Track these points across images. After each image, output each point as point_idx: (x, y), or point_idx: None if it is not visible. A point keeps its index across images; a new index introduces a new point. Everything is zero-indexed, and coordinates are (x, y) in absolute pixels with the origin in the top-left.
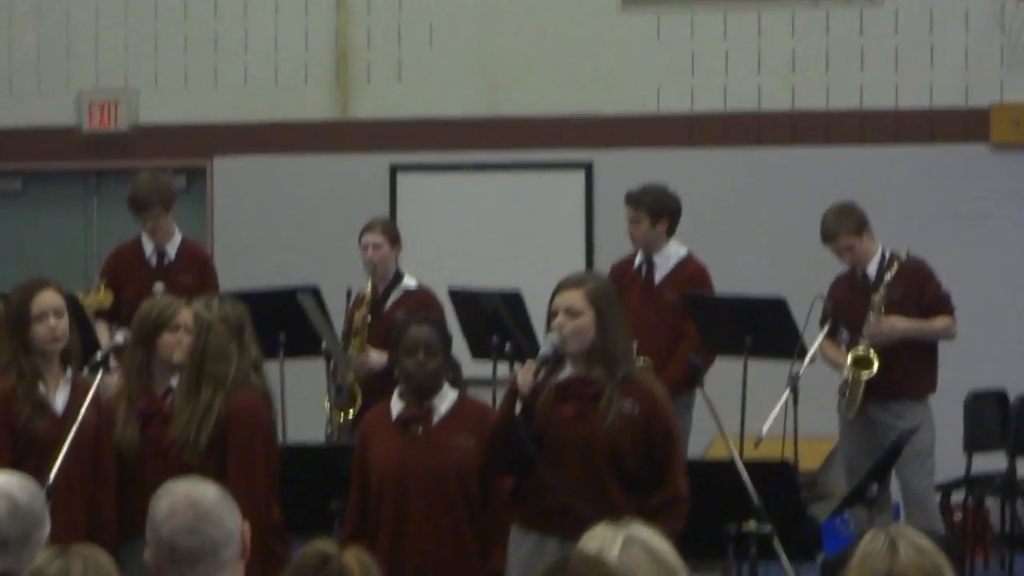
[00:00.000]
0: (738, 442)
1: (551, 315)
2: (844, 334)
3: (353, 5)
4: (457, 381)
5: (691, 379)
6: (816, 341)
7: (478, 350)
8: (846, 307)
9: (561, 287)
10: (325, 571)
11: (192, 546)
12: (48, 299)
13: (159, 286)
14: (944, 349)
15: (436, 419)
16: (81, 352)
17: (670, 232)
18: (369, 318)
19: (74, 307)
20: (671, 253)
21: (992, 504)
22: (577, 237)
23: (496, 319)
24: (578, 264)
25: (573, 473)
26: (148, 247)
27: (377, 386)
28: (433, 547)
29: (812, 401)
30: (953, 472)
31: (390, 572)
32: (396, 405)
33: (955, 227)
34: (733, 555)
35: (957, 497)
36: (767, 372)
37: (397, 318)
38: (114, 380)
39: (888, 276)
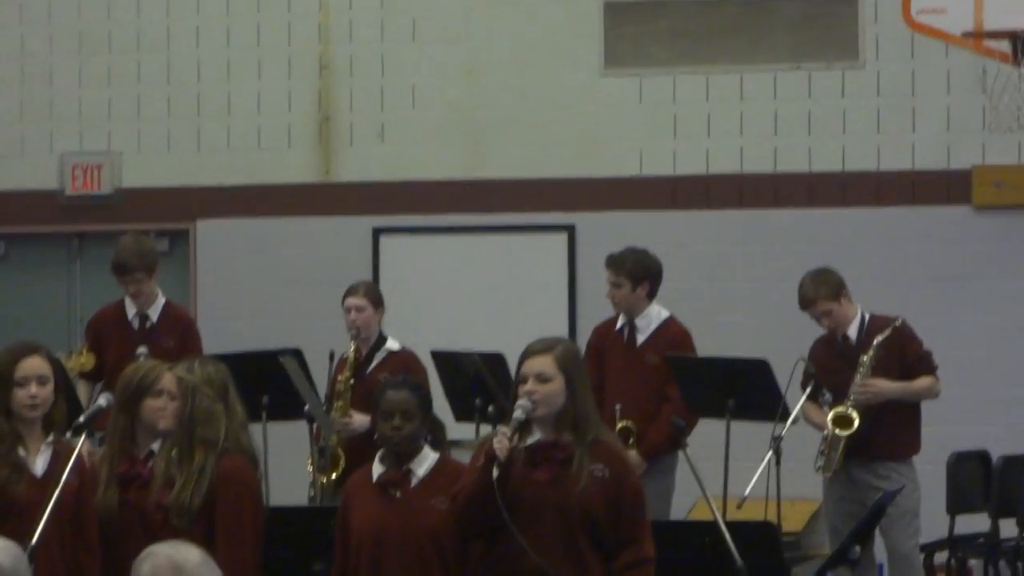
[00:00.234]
0: (721, 503)
1: (520, 380)
2: (827, 396)
3: (336, 68)
4: (440, 441)
5: (674, 441)
6: (798, 403)
7: (461, 412)
8: (827, 370)
9: (530, 352)
10: None
11: None
12: (32, 365)
13: (142, 350)
14: (927, 410)
15: (414, 482)
16: (66, 413)
17: (651, 295)
18: (352, 381)
19: (59, 371)
20: (653, 316)
21: (975, 565)
22: (560, 299)
23: (479, 381)
24: (561, 326)
25: (549, 537)
26: (131, 310)
27: (360, 448)
28: None
29: (795, 463)
30: (936, 533)
31: None
32: (377, 468)
33: (937, 288)
34: None
35: (940, 558)
36: (750, 433)
37: (380, 380)
38: (88, 446)
39: (879, 338)
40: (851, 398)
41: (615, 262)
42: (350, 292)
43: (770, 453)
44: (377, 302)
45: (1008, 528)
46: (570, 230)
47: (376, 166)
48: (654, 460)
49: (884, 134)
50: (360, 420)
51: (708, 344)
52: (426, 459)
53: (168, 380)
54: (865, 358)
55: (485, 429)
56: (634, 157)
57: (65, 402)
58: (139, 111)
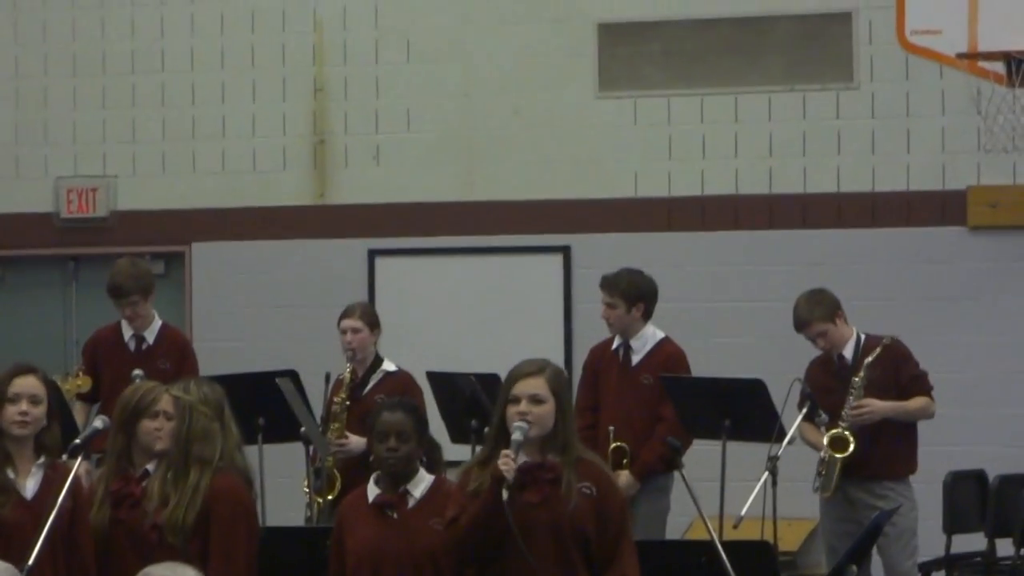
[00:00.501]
0: (717, 523)
1: (511, 400)
2: (823, 416)
3: (330, 90)
4: (437, 462)
5: (670, 461)
6: (794, 423)
7: (457, 433)
8: (823, 390)
9: (521, 374)
10: None
11: None
12: (25, 384)
13: (138, 372)
14: (923, 430)
15: (411, 503)
16: (60, 437)
17: (646, 316)
18: (348, 402)
19: (55, 393)
20: (648, 336)
21: None
22: (555, 320)
23: (474, 402)
24: (556, 347)
25: (543, 558)
26: (127, 332)
27: (356, 470)
28: None
29: (791, 482)
30: (933, 552)
31: None
32: (372, 490)
33: (932, 309)
34: None
35: None
36: (746, 454)
37: (377, 402)
38: (86, 467)
39: (870, 358)
40: (845, 420)
41: (609, 283)
42: (346, 314)
43: (766, 473)
44: (373, 324)
45: (1005, 547)
46: (565, 251)
47: (371, 188)
48: (648, 480)
49: (879, 155)
50: (356, 442)
51: (704, 364)
52: (422, 480)
53: (165, 401)
54: (856, 379)
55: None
56: (629, 178)
57: (59, 426)
58: (134, 134)
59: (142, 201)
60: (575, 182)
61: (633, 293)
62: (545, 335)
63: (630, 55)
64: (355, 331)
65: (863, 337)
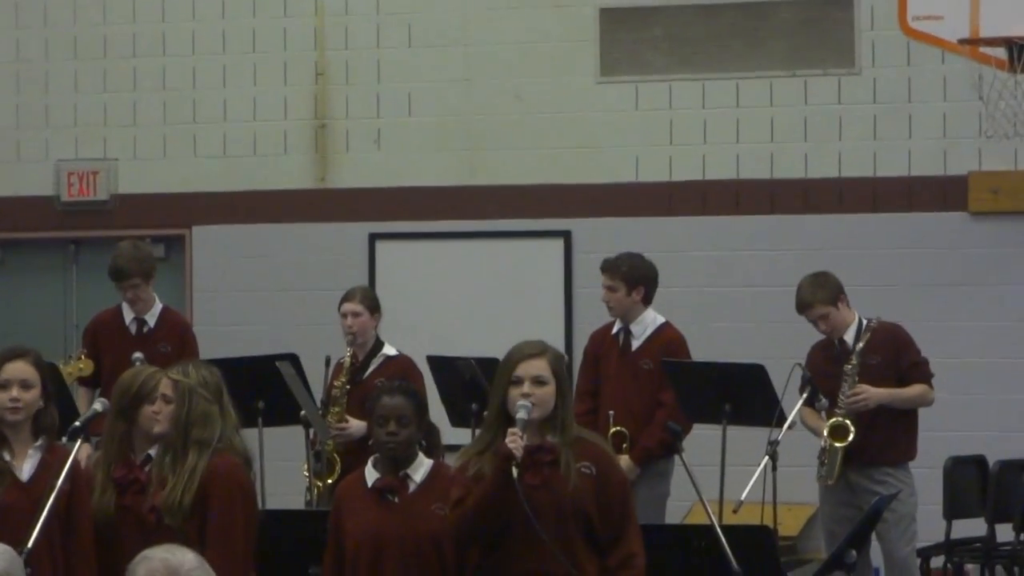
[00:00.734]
0: (717, 508)
1: (514, 381)
2: (823, 401)
3: (332, 74)
4: (436, 446)
5: (670, 446)
6: (795, 408)
7: (457, 417)
8: (823, 375)
9: (524, 355)
10: None
11: None
12: (15, 369)
13: (138, 355)
14: (924, 416)
15: (412, 488)
16: (59, 421)
17: (647, 300)
18: (348, 386)
19: (54, 376)
20: (648, 321)
21: (972, 570)
22: (556, 305)
23: (474, 386)
24: (557, 331)
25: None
26: (128, 315)
27: (356, 454)
28: None
29: (791, 467)
30: (933, 537)
31: None
32: (371, 474)
33: (933, 294)
34: None
35: (937, 562)
36: (746, 438)
37: (377, 386)
38: (87, 450)
39: (860, 345)
40: (842, 407)
41: (610, 267)
42: (346, 298)
43: (766, 458)
44: (373, 308)
45: (1004, 532)
46: (566, 236)
47: (372, 172)
48: (648, 465)
49: (880, 140)
50: (356, 426)
51: (704, 349)
52: (422, 465)
53: (164, 384)
54: (848, 367)
55: None
56: (630, 163)
57: (56, 408)
58: (135, 117)
59: (143, 184)
60: (576, 167)
61: (634, 276)
62: (545, 319)
63: (632, 40)
64: (355, 315)
65: (864, 322)
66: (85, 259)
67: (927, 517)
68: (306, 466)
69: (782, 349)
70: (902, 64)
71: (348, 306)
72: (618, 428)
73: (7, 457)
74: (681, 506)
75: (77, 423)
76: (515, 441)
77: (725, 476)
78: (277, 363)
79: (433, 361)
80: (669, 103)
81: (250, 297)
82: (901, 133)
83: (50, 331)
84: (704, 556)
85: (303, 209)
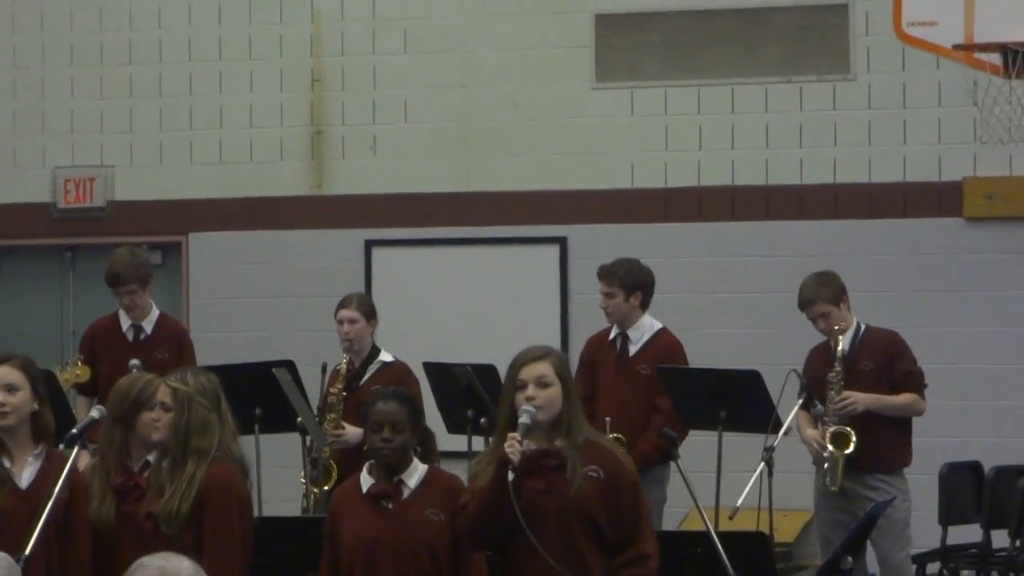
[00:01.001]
0: (713, 514)
1: (518, 386)
2: (819, 408)
3: (328, 81)
4: (431, 451)
5: (666, 452)
6: (791, 413)
7: (453, 424)
8: (820, 381)
9: (527, 359)
10: None
11: None
12: None
13: (135, 362)
14: (919, 422)
15: (406, 494)
16: (55, 427)
17: (644, 305)
18: (344, 393)
19: (50, 383)
20: (645, 327)
21: None
22: (552, 311)
23: (470, 393)
24: (553, 337)
25: (550, 544)
26: (125, 322)
27: (353, 460)
28: None
29: (787, 473)
30: (929, 543)
31: None
32: (366, 480)
33: (928, 300)
34: None
35: (933, 568)
36: (742, 444)
37: (373, 392)
38: (86, 457)
39: (840, 350)
40: (829, 415)
41: (607, 272)
42: (343, 304)
43: (762, 464)
44: (370, 314)
45: (1000, 539)
46: (562, 242)
47: (368, 178)
48: (644, 471)
49: (875, 146)
50: (353, 432)
51: (700, 355)
52: (416, 470)
53: (162, 392)
54: (832, 374)
55: (477, 441)
56: (626, 169)
57: (51, 412)
58: (131, 124)
59: (139, 191)
60: (572, 173)
61: (631, 282)
62: (542, 325)
63: (627, 46)
64: (352, 322)
65: (864, 327)
66: (81, 266)
67: (923, 523)
68: (303, 473)
69: (778, 355)
70: (897, 70)
71: (344, 313)
72: (615, 434)
73: (6, 464)
74: (677, 512)
75: (74, 430)
76: (512, 446)
77: (721, 482)
78: (274, 370)
79: (429, 368)
80: (665, 109)
81: (247, 304)
82: (896, 139)
83: (46, 338)
84: (700, 562)
85: (299, 216)
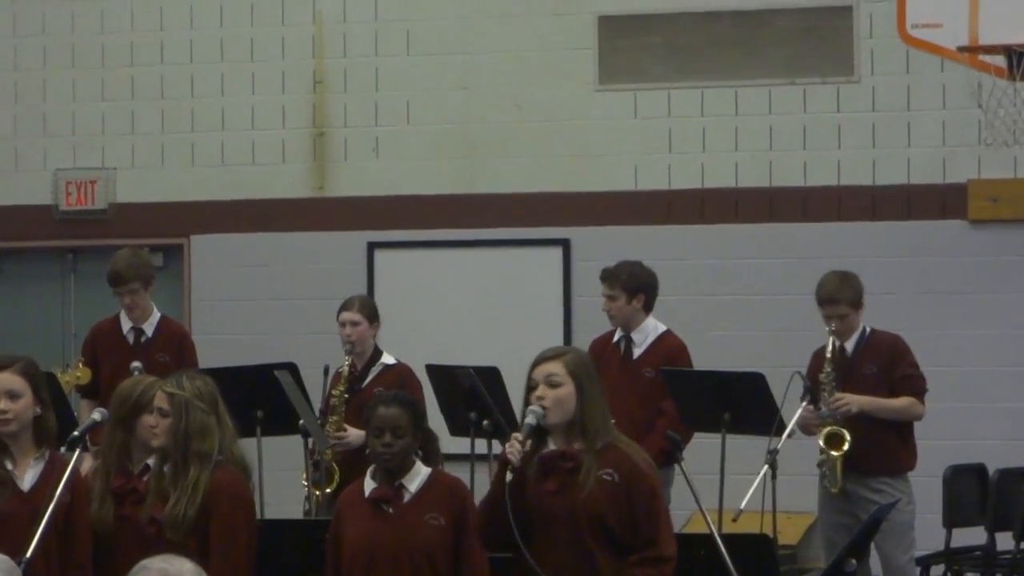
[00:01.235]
0: (717, 517)
1: (531, 386)
2: (824, 410)
3: (330, 82)
4: (434, 454)
5: (670, 454)
6: (794, 416)
7: (456, 426)
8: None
9: (540, 359)
10: None
11: None
12: (1, 380)
13: (137, 365)
14: (923, 424)
15: (407, 498)
16: (56, 430)
17: (647, 307)
18: (347, 395)
19: (51, 385)
20: (649, 329)
21: None
22: (555, 313)
23: (473, 395)
24: (556, 340)
25: (561, 546)
26: (126, 325)
27: (355, 463)
28: None
29: (790, 476)
30: (933, 546)
31: None
32: (369, 484)
33: (933, 302)
34: None
35: (937, 571)
36: (745, 447)
37: (375, 395)
38: (88, 460)
39: (829, 352)
40: (827, 415)
41: (610, 275)
42: (345, 307)
43: (766, 467)
44: (372, 317)
45: (1004, 541)
46: (565, 244)
47: (370, 181)
48: None
49: (879, 148)
50: (355, 435)
51: (703, 358)
52: (418, 474)
53: (159, 397)
54: (822, 375)
55: (480, 443)
56: (629, 171)
57: (54, 416)
58: (133, 126)
59: (141, 193)
60: (575, 175)
61: (634, 284)
62: (544, 328)
63: (630, 48)
64: (354, 324)
65: (868, 331)
66: (83, 268)
67: (927, 526)
68: (305, 475)
69: (781, 357)
70: (901, 72)
71: (346, 315)
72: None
73: (9, 467)
74: (681, 515)
75: (76, 433)
76: (513, 447)
77: (724, 485)
78: (276, 372)
79: (432, 370)
80: (668, 111)
81: (248, 306)
82: (900, 141)
83: (48, 340)
84: (704, 565)
85: (301, 218)
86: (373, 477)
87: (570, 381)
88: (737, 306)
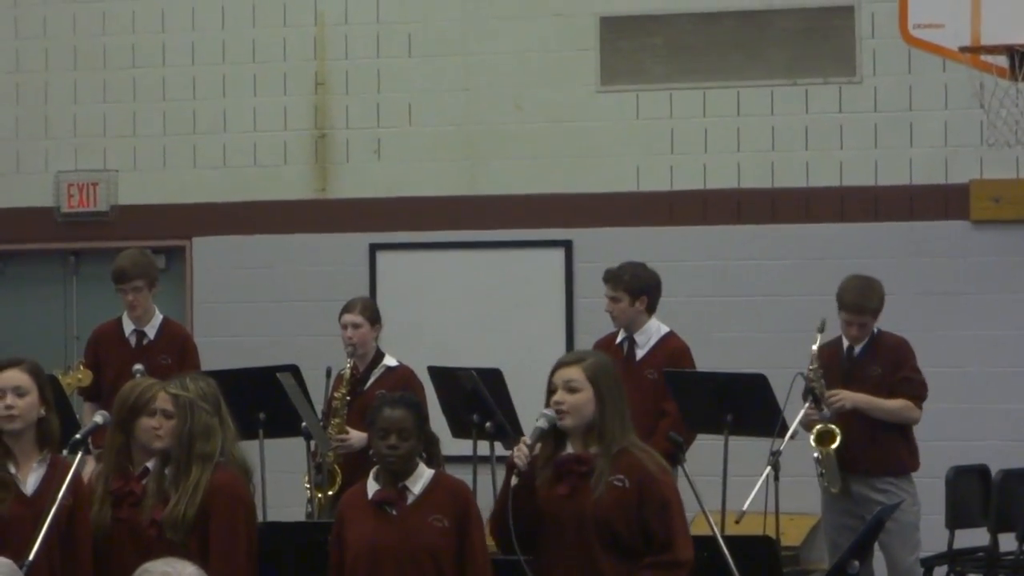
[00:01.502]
0: (719, 518)
1: (551, 390)
2: (826, 411)
3: (331, 84)
4: (435, 456)
5: (672, 456)
6: (797, 418)
7: (458, 428)
8: (827, 378)
9: (560, 364)
10: None
11: None
12: (8, 377)
13: (139, 367)
14: (925, 425)
15: (410, 500)
16: (58, 427)
17: (650, 309)
18: (349, 397)
19: (53, 387)
20: (652, 330)
21: None
22: (557, 315)
23: (476, 397)
24: (558, 342)
25: (569, 549)
26: (128, 327)
27: (357, 465)
28: None
29: (793, 477)
30: (936, 547)
31: None
32: (372, 486)
33: (935, 303)
34: None
35: (940, 572)
36: (748, 449)
37: (378, 397)
38: (91, 463)
39: (815, 349)
40: (829, 417)
41: (613, 276)
42: (346, 309)
43: (768, 468)
44: (374, 319)
45: (1007, 542)
46: (567, 246)
47: (372, 182)
48: None
49: (881, 149)
50: (357, 437)
51: (706, 359)
52: (421, 476)
53: (162, 399)
54: (811, 372)
55: (482, 445)
56: (631, 172)
57: (57, 418)
58: (134, 128)
59: (143, 195)
60: (576, 176)
61: (637, 286)
62: (547, 329)
63: (632, 49)
64: (355, 326)
65: (876, 332)
66: (85, 270)
67: (930, 527)
68: (307, 478)
69: (783, 359)
70: (903, 72)
71: (348, 317)
72: None
73: (12, 470)
74: None
75: (78, 435)
76: (519, 450)
77: (727, 486)
78: (278, 374)
79: (434, 372)
80: (670, 112)
81: (250, 308)
82: (902, 141)
83: (50, 342)
84: (707, 567)
85: (303, 220)
86: (376, 479)
87: (589, 386)
88: (739, 307)
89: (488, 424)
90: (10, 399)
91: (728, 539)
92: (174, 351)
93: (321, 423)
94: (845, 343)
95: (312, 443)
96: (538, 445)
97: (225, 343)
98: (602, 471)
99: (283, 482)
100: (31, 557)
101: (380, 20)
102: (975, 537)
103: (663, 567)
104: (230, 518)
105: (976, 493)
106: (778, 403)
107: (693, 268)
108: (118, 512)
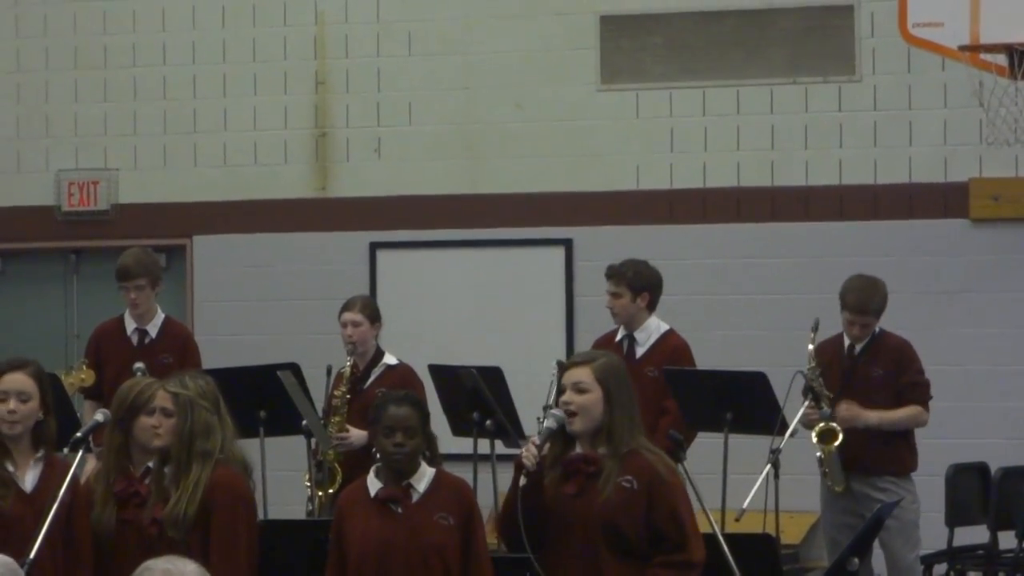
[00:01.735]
0: (719, 516)
1: (560, 391)
2: (826, 410)
3: (332, 83)
4: (434, 455)
5: (672, 454)
6: (797, 416)
7: (458, 427)
8: (827, 375)
9: (570, 364)
10: None
11: None
12: (13, 381)
13: (139, 365)
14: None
15: (416, 498)
16: (55, 431)
17: (651, 306)
18: (349, 396)
19: (54, 386)
20: (652, 328)
21: None
22: (557, 313)
23: (476, 395)
24: (558, 340)
25: (575, 549)
26: (130, 326)
27: (357, 463)
28: None
29: (793, 475)
30: (935, 545)
31: None
32: (373, 483)
33: (934, 301)
34: None
35: (940, 570)
36: (748, 446)
37: (378, 395)
38: (91, 461)
39: (811, 347)
40: (829, 415)
41: (615, 273)
42: (346, 307)
43: (768, 466)
44: (374, 317)
45: (1007, 540)
46: (567, 244)
47: (372, 181)
48: None
49: (881, 147)
50: (357, 435)
51: (706, 357)
52: (425, 474)
53: (161, 397)
54: (808, 371)
55: (482, 443)
56: (631, 171)
57: (56, 419)
58: (135, 127)
59: (143, 194)
60: (577, 175)
61: (638, 283)
62: (547, 328)
63: (632, 48)
64: (355, 324)
65: (877, 331)
66: (86, 269)
67: (929, 524)
68: (307, 476)
69: (783, 357)
70: (902, 71)
71: (348, 316)
72: None
73: (10, 468)
74: None
75: (78, 434)
76: (528, 450)
77: (727, 484)
78: (278, 372)
79: (434, 370)
80: (670, 111)
81: (251, 306)
82: (902, 140)
83: (51, 341)
84: (707, 564)
85: (304, 218)
86: (377, 476)
87: (597, 387)
88: (739, 305)
89: (488, 422)
90: (13, 404)
91: (728, 537)
92: (175, 350)
93: (321, 421)
94: (846, 341)
95: (312, 441)
96: (547, 445)
97: (225, 341)
98: (610, 472)
99: (284, 480)
100: (32, 555)
101: (380, 19)
102: (975, 535)
103: (676, 567)
104: (230, 515)
105: (976, 491)
106: (778, 401)
107: (693, 266)
108: (123, 513)
